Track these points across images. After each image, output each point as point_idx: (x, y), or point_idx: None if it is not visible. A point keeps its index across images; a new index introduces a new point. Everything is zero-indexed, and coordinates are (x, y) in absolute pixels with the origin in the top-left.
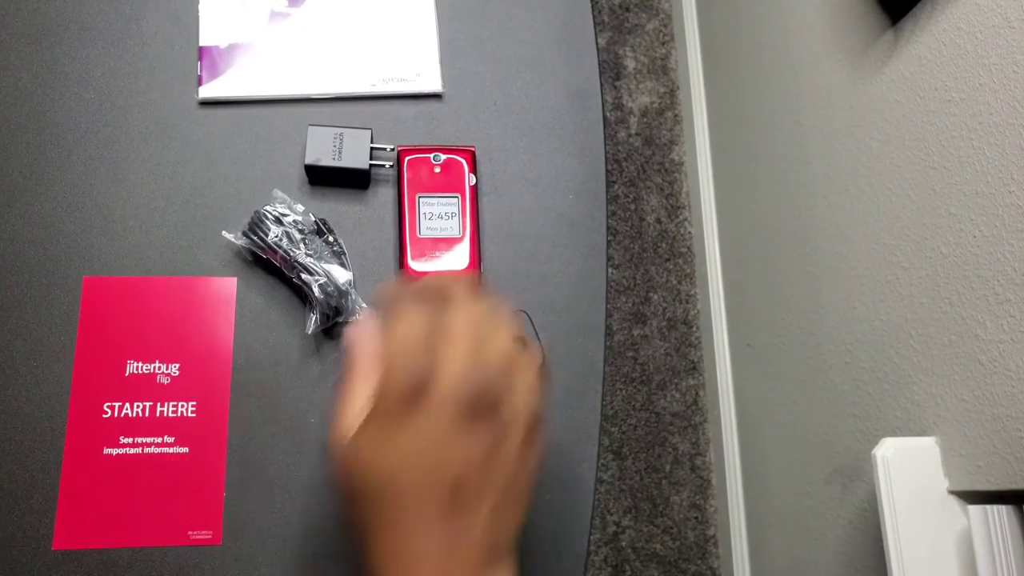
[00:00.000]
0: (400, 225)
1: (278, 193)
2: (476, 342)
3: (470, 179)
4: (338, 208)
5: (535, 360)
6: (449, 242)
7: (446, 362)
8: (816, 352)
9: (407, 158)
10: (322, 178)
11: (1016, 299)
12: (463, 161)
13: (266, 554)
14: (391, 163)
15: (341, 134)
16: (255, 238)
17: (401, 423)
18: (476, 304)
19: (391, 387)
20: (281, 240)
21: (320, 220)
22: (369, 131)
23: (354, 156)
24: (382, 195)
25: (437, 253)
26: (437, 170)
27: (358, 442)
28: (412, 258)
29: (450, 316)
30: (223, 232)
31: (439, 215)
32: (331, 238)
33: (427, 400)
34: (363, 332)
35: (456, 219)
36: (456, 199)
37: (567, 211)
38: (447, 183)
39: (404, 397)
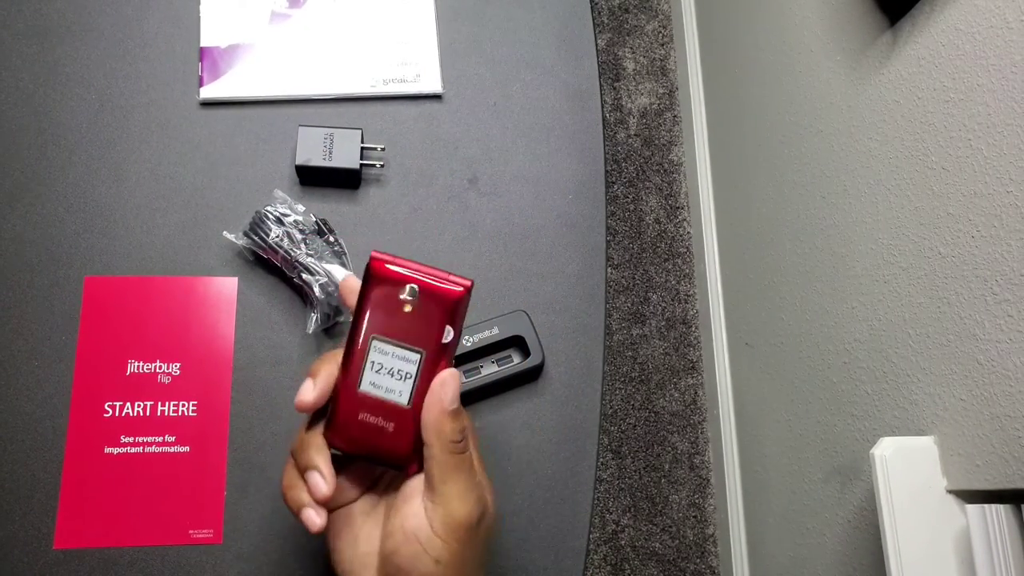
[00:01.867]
0: (341, 365)
1: (279, 193)
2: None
3: (447, 333)
4: (330, 208)
5: None
6: (390, 412)
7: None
8: (814, 352)
9: (376, 274)
10: (313, 178)
11: (1014, 299)
12: (445, 304)
13: (267, 552)
14: (382, 163)
15: (331, 134)
16: (256, 238)
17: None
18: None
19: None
20: (282, 240)
21: (321, 220)
22: (359, 131)
23: (345, 156)
24: (373, 195)
25: (371, 420)
26: (408, 307)
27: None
28: (339, 420)
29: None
30: (224, 232)
31: (390, 371)
32: (332, 238)
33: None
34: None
35: (409, 383)
36: (418, 356)
37: (566, 211)
38: (416, 328)
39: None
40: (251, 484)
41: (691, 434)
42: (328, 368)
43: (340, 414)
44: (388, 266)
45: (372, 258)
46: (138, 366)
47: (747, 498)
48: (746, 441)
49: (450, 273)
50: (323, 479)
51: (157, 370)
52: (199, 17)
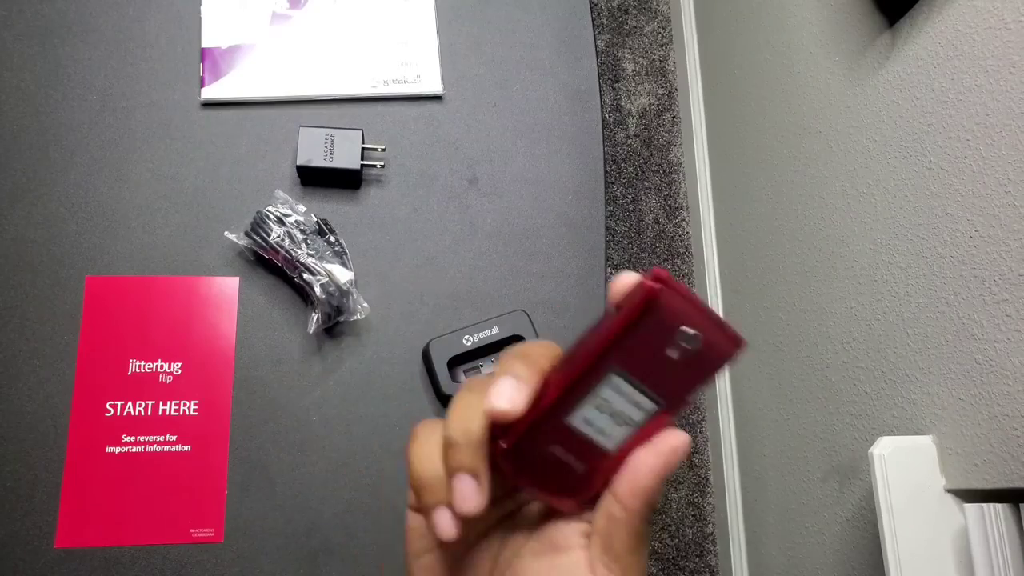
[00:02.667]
0: (552, 381)
1: (280, 193)
2: None
3: (698, 391)
4: (330, 208)
5: None
6: (586, 451)
7: None
8: (813, 351)
9: (657, 303)
10: (314, 179)
11: (1012, 298)
12: (717, 361)
13: (268, 551)
14: (383, 163)
15: (332, 135)
16: (257, 238)
17: None
18: None
19: None
20: (283, 240)
21: (322, 220)
22: (360, 132)
23: (345, 157)
24: (374, 195)
25: (561, 454)
26: (675, 353)
27: None
28: (526, 445)
29: None
30: (225, 232)
31: (613, 413)
32: (332, 238)
33: None
34: None
35: (627, 431)
36: (655, 408)
37: (566, 211)
38: (669, 377)
39: None
40: (252, 483)
41: (690, 433)
42: (532, 375)
43: (531, 439)
44: (676, 299)
45: (657, 278)
46: (139, 366)
47: (746, 497)
48: (745, 440)
49: (727, 323)
50: (478, 491)
51: (158, 370)
52: (200, 18)
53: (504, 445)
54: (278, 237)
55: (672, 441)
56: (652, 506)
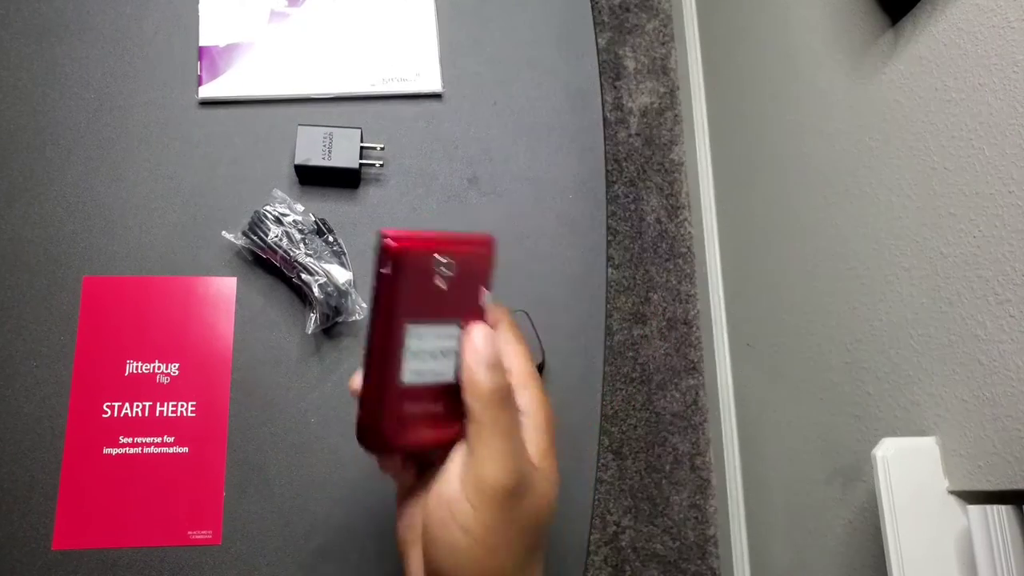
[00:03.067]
0: (368, 363)
1: (278, 193)
2: None
3: (484, 294)
4: (329, 207)
5: None
6: (438, 393)
7: None
8: (816, 352)
9: (398, 255)
10: (312, 178)
11: (1016, 299)
12: (481, 267)
13: (266, 554)
14: (382, 162)
15: (331, 134)
16: (255, 238)
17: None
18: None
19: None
20: (281, 240)
21: (320, 220)
22: (359, 130)
23: (344, 156)
24: (373, 194)
25: (419, 409)
26: (443, 283)
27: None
28: (382, 422)
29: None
30: (223, 232)
31: (432, 352)
32: (331, 238)
33: None
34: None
35: (453, 358)
36: (459, 329)
37: (567, 211)
38: (452, 300)
39: None
40: (250, 485)
41: (692, 435)
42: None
43: (385, 412)
44: (408, 244)
45: (386, 236)
46: (137, 366)
47: (748, 499)
48: (747, 442)
49: (464, 234)
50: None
51: (156, 370)
52: (198, 16)
53: (366, 436)
54: (276, 237)
55: (467, 329)
56: (486, 387)
